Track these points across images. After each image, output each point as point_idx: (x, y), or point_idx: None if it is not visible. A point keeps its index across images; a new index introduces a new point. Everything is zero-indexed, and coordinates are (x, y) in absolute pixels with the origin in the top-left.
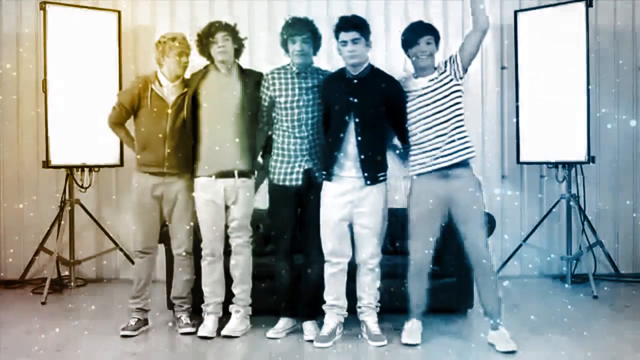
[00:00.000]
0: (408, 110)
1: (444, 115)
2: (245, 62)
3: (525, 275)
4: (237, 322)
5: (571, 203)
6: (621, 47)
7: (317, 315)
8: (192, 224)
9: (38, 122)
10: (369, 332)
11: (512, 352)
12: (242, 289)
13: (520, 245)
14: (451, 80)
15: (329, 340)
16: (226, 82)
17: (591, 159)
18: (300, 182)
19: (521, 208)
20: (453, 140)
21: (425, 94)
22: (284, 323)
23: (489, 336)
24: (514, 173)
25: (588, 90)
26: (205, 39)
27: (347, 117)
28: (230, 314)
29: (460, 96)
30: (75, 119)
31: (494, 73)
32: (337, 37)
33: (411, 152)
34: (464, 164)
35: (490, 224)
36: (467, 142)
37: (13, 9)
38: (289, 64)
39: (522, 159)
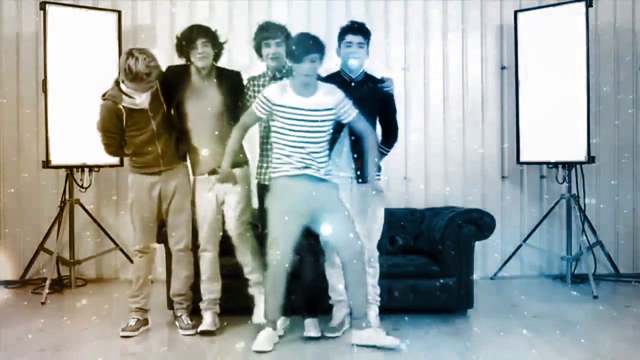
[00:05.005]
0: None
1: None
2: (243, 62)
3: (525, 275)
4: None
5: (571, 203)
6: (621, 47)
7: (318, 312)
8: (190, 219)
9: (38, 122)
10: None
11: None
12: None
13: (520, 245)
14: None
15: (338, 330)
16: (205, 85)
17: (591, 159)
18: None
19: (521, 208)
20: None
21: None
22: (280, 321)
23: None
24: (514, 173)
25: (588, 90)
26: (185, 44)
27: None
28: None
29: None
30: (75, 119)
31: (494, 73)
32: (342, 38)
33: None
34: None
35: (490, 224)
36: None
37: (13, 9)
38: (266, 69)
39: (522, 159)
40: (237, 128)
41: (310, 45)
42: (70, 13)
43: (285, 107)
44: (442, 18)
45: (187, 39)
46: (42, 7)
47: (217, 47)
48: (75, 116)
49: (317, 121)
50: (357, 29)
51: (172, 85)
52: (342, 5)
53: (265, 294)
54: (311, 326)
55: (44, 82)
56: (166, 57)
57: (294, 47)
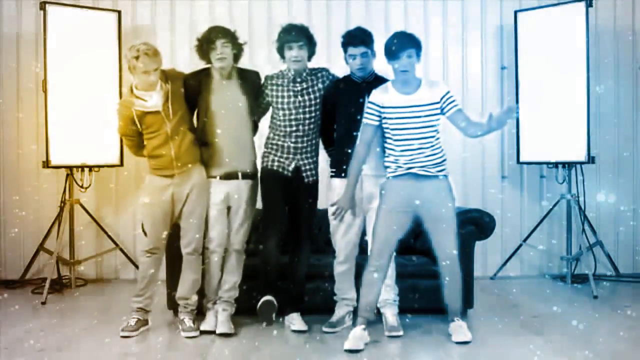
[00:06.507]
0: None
1: None
2: (245, 62)
3: (525, 275)
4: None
5: (571, 203)
6: (621, 47)
7: (302, 308)
8: (202, 223)
9: (38, 122)
10: (387, 324)
11: (467, 342)
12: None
13: (520, 245)
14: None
15: (337, 326)
16: (226, 86)
17: (591, 159)
18: (290, 174)
19: (521, 208)
20: None
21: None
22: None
23: (449, 328)
24: (514, 173)
25: (588, 90)
26: (205, 45)
27: (358, 117)
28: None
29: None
30: (75, 119)
31: (494, 73)
32: (345, 51)
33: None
34: None
35: (490, 224)
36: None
37: (13, 9)
38: (286, 70)
39: (522, 159)
40: (358, 147)
41: (407, 41)
42: (70, 13)
43: (390, 107)
44: (442, 18)
45: (207, 40)
46: (42, 7)
47: (237, 47)
48: (75, 116)
49: (421, 117)
50: (358, 42)
51: (192, 90)
52: (342, 5)
53: (361, 289)
54: (297, 320)
55: (44, 82)
56: (166, 58)
57: (390, 45)
